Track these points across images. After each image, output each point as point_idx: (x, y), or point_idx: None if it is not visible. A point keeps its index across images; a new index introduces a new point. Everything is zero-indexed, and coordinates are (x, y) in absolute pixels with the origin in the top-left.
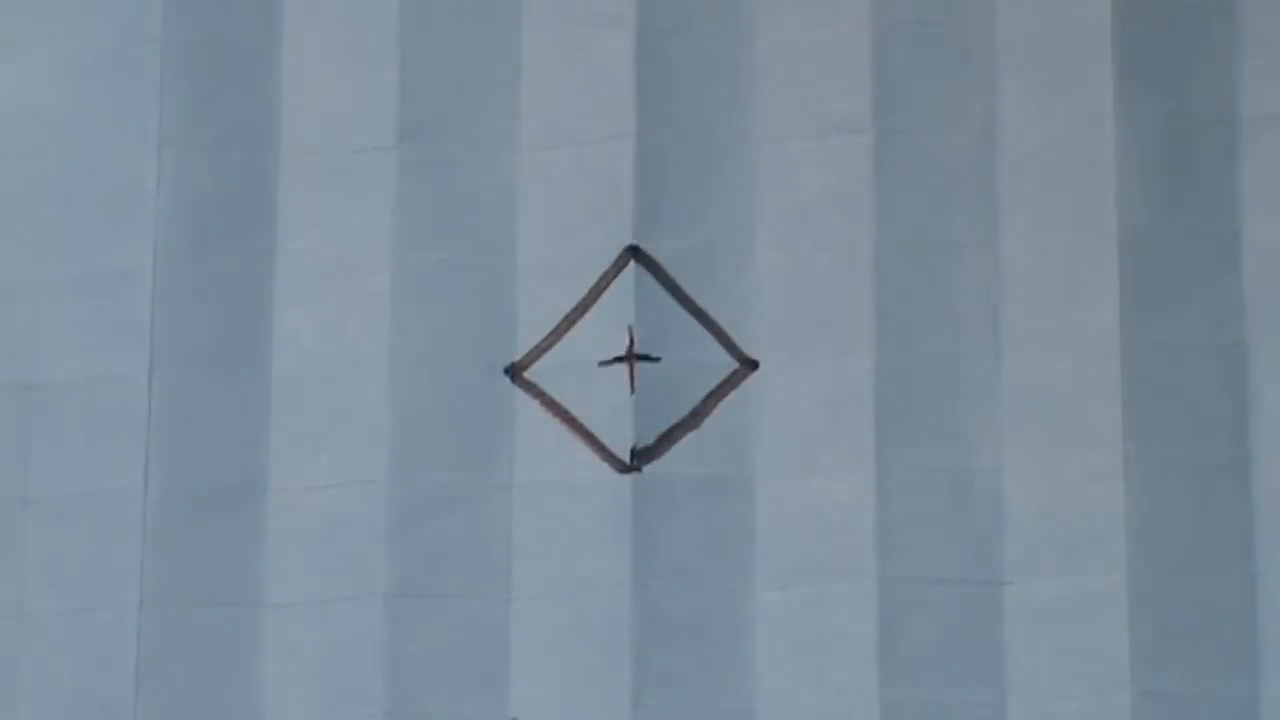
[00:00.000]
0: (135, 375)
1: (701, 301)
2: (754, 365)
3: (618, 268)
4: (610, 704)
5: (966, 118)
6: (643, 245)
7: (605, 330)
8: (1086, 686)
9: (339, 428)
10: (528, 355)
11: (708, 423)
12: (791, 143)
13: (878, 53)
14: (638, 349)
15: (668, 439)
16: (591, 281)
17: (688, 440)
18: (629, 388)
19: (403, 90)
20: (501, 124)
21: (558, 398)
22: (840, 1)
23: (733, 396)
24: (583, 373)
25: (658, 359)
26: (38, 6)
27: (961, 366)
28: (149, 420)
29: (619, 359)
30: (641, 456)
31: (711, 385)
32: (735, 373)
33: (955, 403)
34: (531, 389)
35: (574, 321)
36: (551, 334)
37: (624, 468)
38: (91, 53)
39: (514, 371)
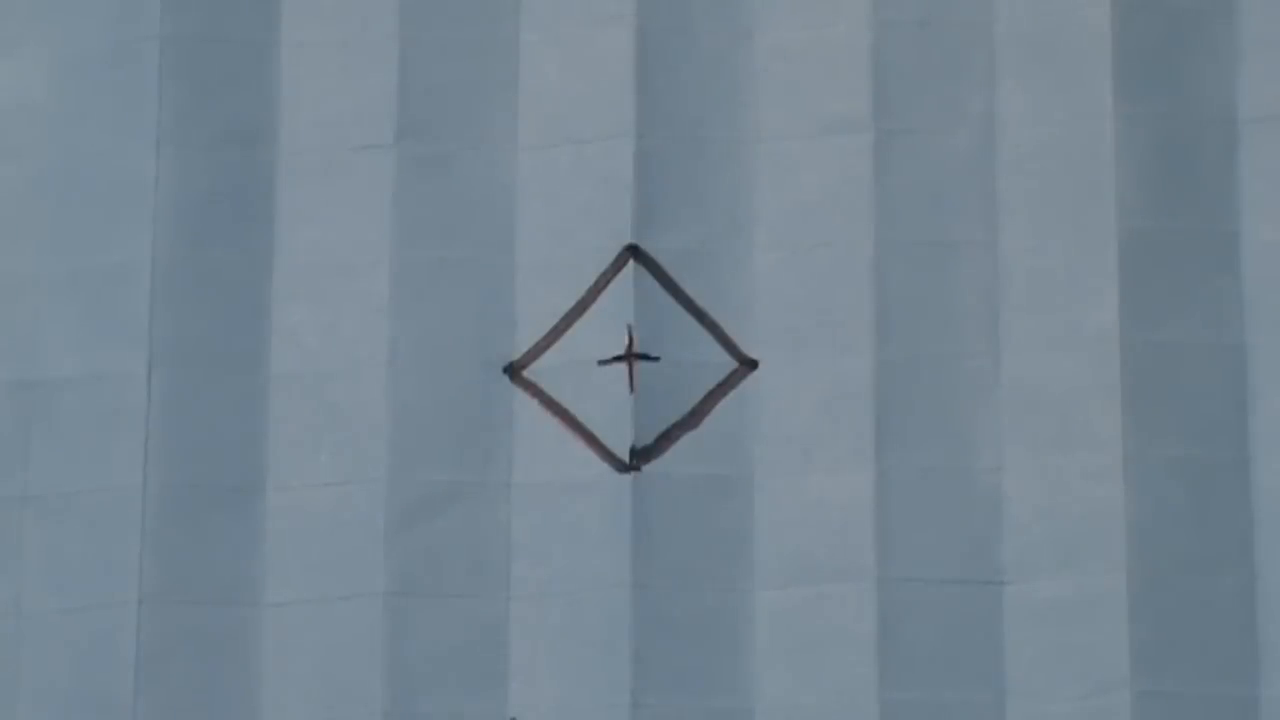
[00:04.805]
0: (134, 373)
1: (701, 301)
2: (753, 365)
3: (617, 267)
4: (610, 704)
5: (966, 118)
6: (642, 244)
7: (604, 329)
8: (1086, 686)
9: (338, 426)
10: (527, 354)
11: (707, 422)
12: (791, 143)
13: (878, 53)
14: (637, 348)
15: (667, 438)
16: (590, 280)
17: (687, 440)
18: (628, 387)
19: (401, 88)
20: (500, 122)
21: (557, 397)
22: (840, 1)
23: (732, 396)
24: (582, 372)
25: (657, 358)
26: (36, 3)
27: (961, 366)
28: (147, 418)
29: (618, 358)
30: (641, 456)
31: (711, 385)
32: (734, 372)
33: (955, 403)
34: (530, 388)
35: (573, 320)
36: (551, 333)
37: (623, 467)
38: (90, 50)
39: (513, 370)
